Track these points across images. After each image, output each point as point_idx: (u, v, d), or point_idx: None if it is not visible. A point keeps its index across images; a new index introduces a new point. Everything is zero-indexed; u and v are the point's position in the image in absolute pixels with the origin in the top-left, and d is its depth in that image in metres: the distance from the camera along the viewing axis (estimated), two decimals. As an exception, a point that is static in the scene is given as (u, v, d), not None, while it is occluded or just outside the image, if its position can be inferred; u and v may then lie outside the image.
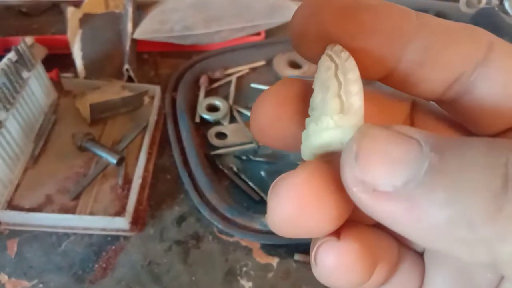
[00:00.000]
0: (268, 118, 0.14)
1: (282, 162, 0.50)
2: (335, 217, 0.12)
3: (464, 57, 0.13)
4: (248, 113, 0.54)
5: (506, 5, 0.71)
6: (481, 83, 0.13)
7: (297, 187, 0.12)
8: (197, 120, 0.54)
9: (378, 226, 0.15)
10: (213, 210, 0.44)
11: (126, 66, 0.55)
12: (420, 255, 0.16)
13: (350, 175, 0.11)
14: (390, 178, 0.11)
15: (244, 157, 0.50)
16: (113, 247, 0.42)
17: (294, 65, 0.61)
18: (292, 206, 0.12)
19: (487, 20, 0.64)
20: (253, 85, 0.59)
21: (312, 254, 0.13)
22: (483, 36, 0.13)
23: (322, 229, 0.13)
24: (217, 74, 0.59)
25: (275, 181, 0.13)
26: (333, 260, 0.13)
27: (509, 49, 0.13)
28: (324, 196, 0.12)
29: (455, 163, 0.10)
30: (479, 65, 0.13)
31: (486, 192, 0.10)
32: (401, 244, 0.16)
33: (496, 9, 0.68)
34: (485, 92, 0.13)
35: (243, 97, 0.58)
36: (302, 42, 0.14)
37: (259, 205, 0.46)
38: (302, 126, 0.13)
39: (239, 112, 0.55)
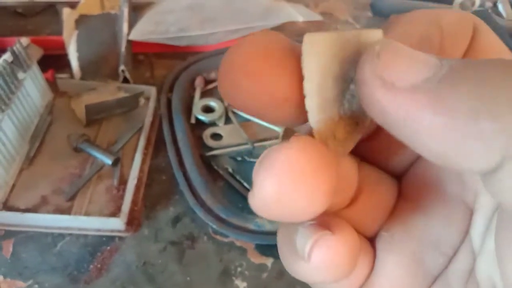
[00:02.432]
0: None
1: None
2: (328, 193, 0.12)
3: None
4: (243, 114, 0.55)
5: (500, 7, 0.72)
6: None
7: (292, 157, 0.11)
8: (193, 121, 0.54)
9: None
10: (208, 210, 0.44)
11: (122, 67, 0.55)
12: (370, 241, 0.16)
13: (370, 70, 0.11)
14: (411, 74, 0.11)
15: (239, 158, 0.50)
16: (108, 248, 0.42)
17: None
18: (286, 179, 0.11)
19: (481, 23, 0.65)
20: (248, 86, 0.60)
21: (306, 249, 0.13)
22: (468, 16, 0.14)
23: (314, 207, 0.12)
24: (213, 75, 0.60)
25: (263, 154, 0.12)
26: (331, 254, 0.13)
27: (492, 37, 0.14)
28: (320, 169, 0.12)
29: (475, 65, 0.10)
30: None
31: (502, 88, 0.10)
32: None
33: (490, 11, 0.68)
34: None
35: (239, 98, 0.58)
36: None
37: (254, 205, 0.46)
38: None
39: (234, 113, 0.55)
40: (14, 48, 0.46)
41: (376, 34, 0.12)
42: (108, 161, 0.46)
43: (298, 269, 0.14)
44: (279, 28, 0.66)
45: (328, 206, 0.12)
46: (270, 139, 0.52)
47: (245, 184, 0.47)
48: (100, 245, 0.43)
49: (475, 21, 0.14)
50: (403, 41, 0.11)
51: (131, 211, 0.43)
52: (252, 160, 0.50)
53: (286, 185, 0.11)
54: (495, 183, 0.10)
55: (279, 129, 0.52)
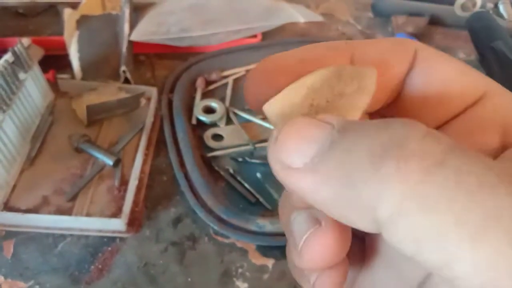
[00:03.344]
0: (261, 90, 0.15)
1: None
2: None
3: (396, 61, 0.15)
4: (244, 115, 0.55)
5: (501, 8, 0.72)
6: (413, 81, 0.15)
7: None
8: (194, 122, 0.54)
9: None
10: (209, 211, 0.44)
11: (123, 67, 0.55)
12: (362, 241, 0.17)
13: (271, 155, 0.13)
14: (300, 154, 0.12)
15: (240, 159, 0.50)
16: (109, 248, 0.42)
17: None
18: None
19: (482, 24, 0.65)
20: (249, 87, 0.60)
21: (300, 245, 0.14)
22: (408, 44, 0.15)
23: None
24: (214, 76, 0.60)
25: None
26: (321, 252, 0.14)
27: (433, 52, 0.15)
28: None
29: (350, 139, 0.12)
30: (410, 68, 0.15)
31: (366, 156, 0.11)
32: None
33: (491, 12, 0.68)
34: (416, 90, 0.15)
35: (240, 99, 0.58)
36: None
37: (255, 206, 0.46)
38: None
39: (235, 114, 0.55)
40: (15, 48, 0.46)
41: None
42: (109, 161, 0.46)
43: (295, 259, 0.15)
44: (280, 29, 0.66)
45: None
46: (271, 140, 0.52)
47: (246, 185, 0.47)
48: (101, 245, 0.42)
49: (416, 45, 0.15)
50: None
51: (132, 212, 0.43)
52: (253, 161, 0.50)
53: None
54: (388, 234, 0.11)
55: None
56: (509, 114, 0.14)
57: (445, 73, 0.15)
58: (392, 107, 0.16)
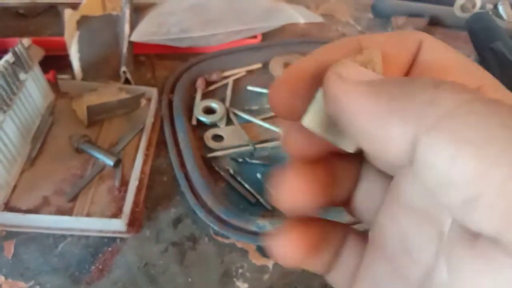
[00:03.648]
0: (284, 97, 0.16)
1: (278, 164, 0.50)
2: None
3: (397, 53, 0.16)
4: (244, 115, 0.55)
5: (500, 9, 0.72)
6: (418, 69, 0.16)
7: None
8: (194, 122, 0.54)
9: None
10: (209, 212, 0.44)
11: (123, 68, 0.56)
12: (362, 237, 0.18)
13: (331, 70, 0.14)
14: (359, 76, 0.14)
15: (240, 160, 0.50)
16: (110, 249, 0.42)
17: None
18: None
19: (481, 25, 0.65)
20: (249, 87, 0.60)
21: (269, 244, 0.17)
22: (413, 35, 0.16)
23: None
24: (214, 77, 0.60)
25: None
26: (285, 250, 0.17)
27: (438, 43, 0.16)
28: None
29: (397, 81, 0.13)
30: (414, 57, 0.16)
31: (426, 81, 0.12)
32: (349, 232, 0.18)
33: (490, 13, 0.68)
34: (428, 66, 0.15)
35: (240, 99, 0.58)
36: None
37: (255, 207, 0.46)
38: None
39: (235, 114, 0.55)
40: (16, 49, 0.46)
41: None
42: (110, 162, 0.46)
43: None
44: (280, 30, 0.67)
45: None
46: (271, 140, 0.52)
47: (246, 185, 0.48)
48: (101, 246, 0.43)
49: (421, 37, 0.16)
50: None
51: (133, 212, 0.43)
52: (253, 161, 0.50)
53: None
54: (416, 159, 0.12)
55: (279, 130, 0.52)
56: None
57: (445, 64, 0.15)
58: None
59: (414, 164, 0.12)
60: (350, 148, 0.15)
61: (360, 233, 0.18)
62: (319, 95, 0.15)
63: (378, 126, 0.12)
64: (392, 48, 0.16)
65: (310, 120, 0.15)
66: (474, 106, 0.11)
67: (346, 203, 0.18)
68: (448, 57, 0.15)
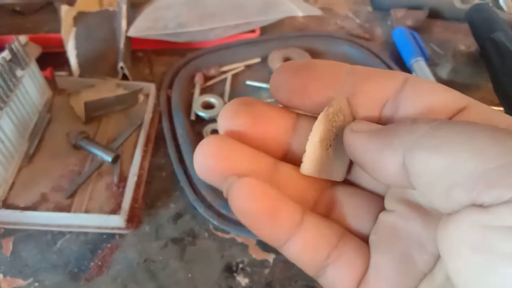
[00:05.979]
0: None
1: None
2: None
3: (385, 87, 0.18)
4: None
5: (501, 1, 0.72)
6: (403, 104, 0.18)
7: None
8: (192, 117, 0.54)
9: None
10: (209, 207, 0.44)
11: (121, 64, 0.55)
12: (365, 242, 0.19)
13: (347, 128, 0.18)
14: (364, 128, 0.17)
15: (239, 154, 0.50)
16: (109, 245, 0.42)
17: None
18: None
19: (481, 16, 0.64)
20: (248, 82, 0.59)
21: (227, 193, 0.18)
22: (398, 74, 0.18)
23: None
24: (212, 72, 0.59)
25: None
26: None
27: (421, 80, 0.18)
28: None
29: (390, 128, 0.17)
30: (398, 92, 0.18)
31: (404, 124, 0.16)
32: (348, 233, 0.19)
33: (491, 4, 0.68)
34: (407, 110, 0.18)
35: (238, 94, 0.58)
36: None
37: (255, 201, 0.46)
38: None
39: (234, 109, 0.55)
40: (13, 46, 0.45)
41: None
42: (108, 158, 0.46)
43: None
44: (279, 23, 0.66)
45: None
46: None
47: (246, 180, 0.47)
48: (100, 242, 0.42)
49: (406, 77, 0.18)
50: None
51: (132, 208, 0.42)
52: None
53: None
54: (408, 172, 0.15)
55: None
56: (491, 118, 0.16)
57: (431, 90, 0.17)
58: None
59: (409, 176, 0.15)
60: (338, 179, 0.20)
61: (355, 236, 0.19)
62: (309, 146, 0.18)
63: (377, 158, 0.16)
64: (385, 78, 0.18)
65: (307, 168, 0.19)
66: (441, 127, 0.15)
67: None
68: (431, 87, 0.18)
